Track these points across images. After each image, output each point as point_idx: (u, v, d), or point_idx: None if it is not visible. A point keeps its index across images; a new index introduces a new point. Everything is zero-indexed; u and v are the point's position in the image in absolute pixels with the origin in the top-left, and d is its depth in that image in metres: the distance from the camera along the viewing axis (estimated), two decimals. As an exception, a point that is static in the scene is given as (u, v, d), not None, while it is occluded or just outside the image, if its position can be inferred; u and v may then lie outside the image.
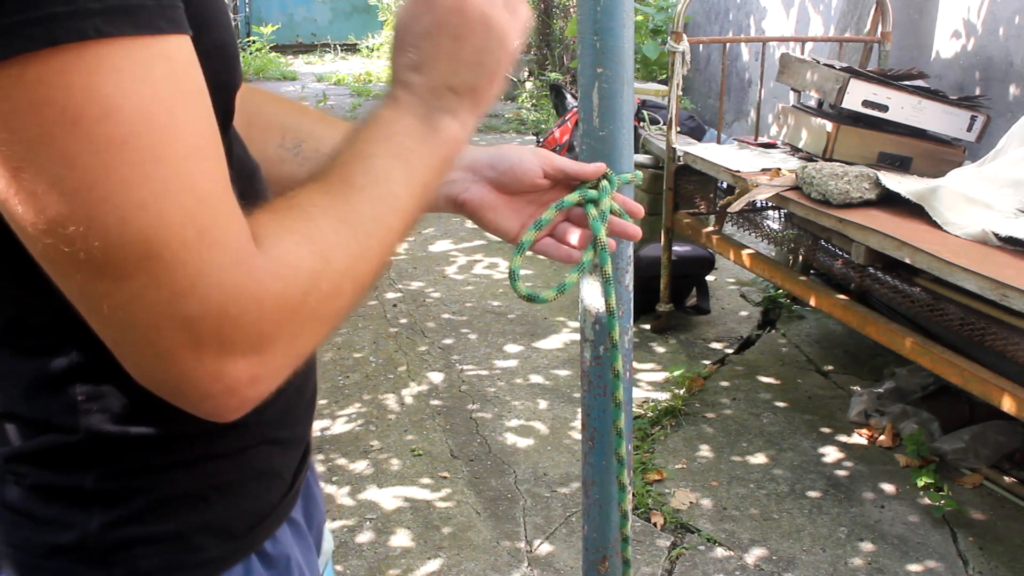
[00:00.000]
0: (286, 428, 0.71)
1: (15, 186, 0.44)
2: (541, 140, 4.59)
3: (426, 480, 2.38)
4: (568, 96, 4.87)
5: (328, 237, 0.55)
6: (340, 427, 2.66)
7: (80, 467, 0.60)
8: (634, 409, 2.67)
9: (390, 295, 3.72)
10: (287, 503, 0.72)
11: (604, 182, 0.86)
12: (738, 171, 2.66)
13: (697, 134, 3.94)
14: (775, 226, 2.92)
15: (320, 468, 2.44)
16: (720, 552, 2.08)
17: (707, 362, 3.05)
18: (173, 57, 0.46)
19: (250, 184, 0.69)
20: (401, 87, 0.62)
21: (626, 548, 1.07)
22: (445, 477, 2.39)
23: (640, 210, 0.89)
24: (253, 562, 0.68)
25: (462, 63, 0.63)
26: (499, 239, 0.88)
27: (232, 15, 12.36)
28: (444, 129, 0.63)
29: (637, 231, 0.86)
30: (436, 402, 2.80)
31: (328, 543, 0.90)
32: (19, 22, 0.41)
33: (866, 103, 2.58)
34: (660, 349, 3.16)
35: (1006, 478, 2.31)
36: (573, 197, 0.84)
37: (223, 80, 0.58)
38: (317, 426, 2.66)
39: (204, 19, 0.54)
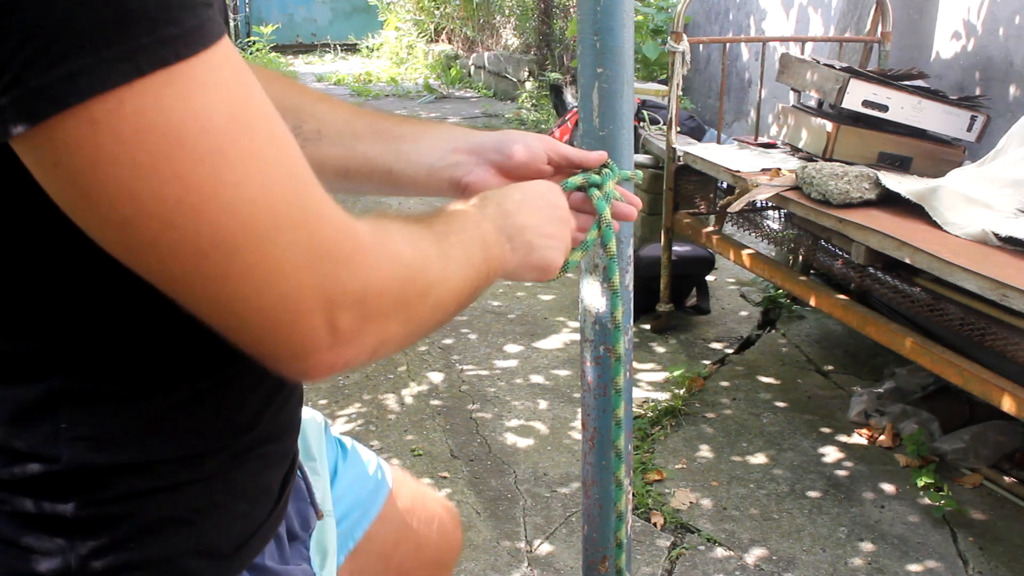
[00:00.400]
0: (274, 442, 0.70)
1: (132, 212, 0.46)
2: (541, 140, 4.58)
3: (426, 480, 2.38)
4: (568, 96, 4.87)
5: (426, 250, 0.62)
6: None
7: (60, 495, 0.59)
8: (634, 409, 2.67)
9: (390, 295, 3.72)
10: (276, 517, 0.71)
11: (606, 169, 0.88)
12: (738, 171, 2.66)
13: (697, 134, 3.94)
14: (775, 226, 2.92)
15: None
16: (720, 552, 2.08)
17: (707, 362, 3.05)
18: (231, 55, 0.49)
19: None
20: (494, 206, 0.75)
21: (620, 555, 1.05)
22: (445, 477, 2.39)
23: (638, 201, 0.91)
24: None
25: (537, 226, 0.77)
26: None
27: (232, 15, 12.37)
28: (501, 247, 0.74)
29: (634, 213, 0.90)
30: (436, 402, 2.80)
31: (316, 424, 0.94)
32: (108, 58, 0.43)
33: (866, 103, 2.58)
34: (660, 349, 3.16)
35: (1006, 478, 2.31)
36: (576, 179, 0.85)
37: None
38: (317, 426, 2.65)
39: None
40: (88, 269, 0.55)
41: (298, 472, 0.81)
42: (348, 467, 0.98)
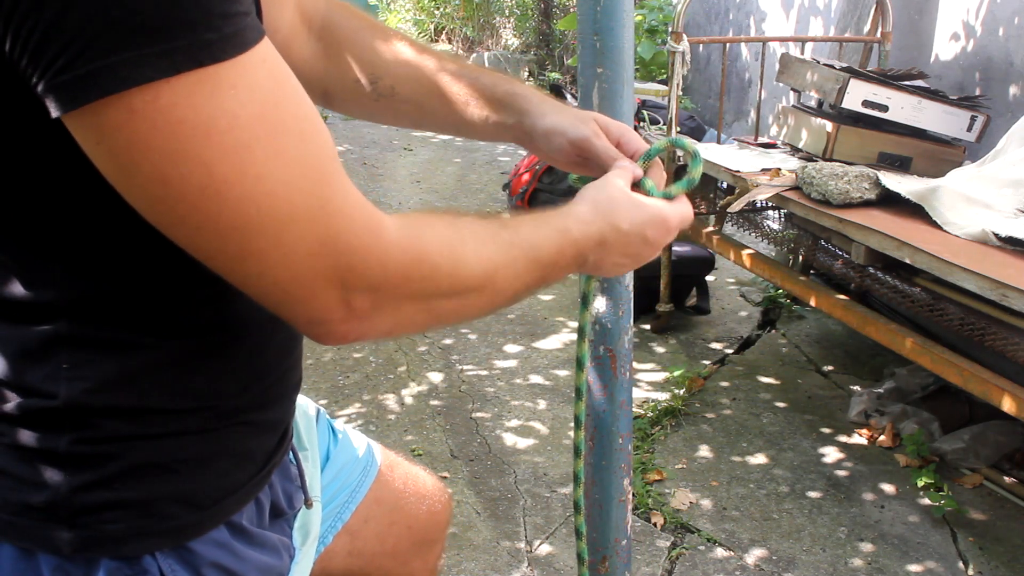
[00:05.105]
0: (263, 411, 0.74)
1: (163, 193, 0.52)
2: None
3: (426, 480, 2.37)
4: (568, 96, 4.87)
5: (465, 255, 0.66)
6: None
7: (55, 430, 0.64)
8: (634, 409, 2.66)
9: (390, 295, 3.71)
10: (257, 482, 0.75)
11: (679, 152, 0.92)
12: (738, 171, 2.66)
13: (697, 134, 3.95)
14: (775, 226, 2.92)
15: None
16: (720, 552, 2.08)
17: (707, 362, 3.05)
18: (268, 58, 0.54)
19: None
20: (597, 233, 0.78)
21: (580, 541, 1.08)
22: (445, 477, 2.38)
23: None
24: (222, 531, 0.71)
25: (620, 260, 0.82)
26: None
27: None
28: (579, 244, 0.77)
29: None
30: (436, 402, 2.80)
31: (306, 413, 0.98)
32: (148, 55, 0.48)
33: (866, 103, 2.58)
34: (660, 349, 3.16)
35: (1006, 478, 2.31)
36: (661, 144, 0.91)
37: None
38: (317, 426, 2.65)
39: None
40: (101, 232, 0.61)
41: (291, 455, 0.87)
42: (339, 452, 1.04)
